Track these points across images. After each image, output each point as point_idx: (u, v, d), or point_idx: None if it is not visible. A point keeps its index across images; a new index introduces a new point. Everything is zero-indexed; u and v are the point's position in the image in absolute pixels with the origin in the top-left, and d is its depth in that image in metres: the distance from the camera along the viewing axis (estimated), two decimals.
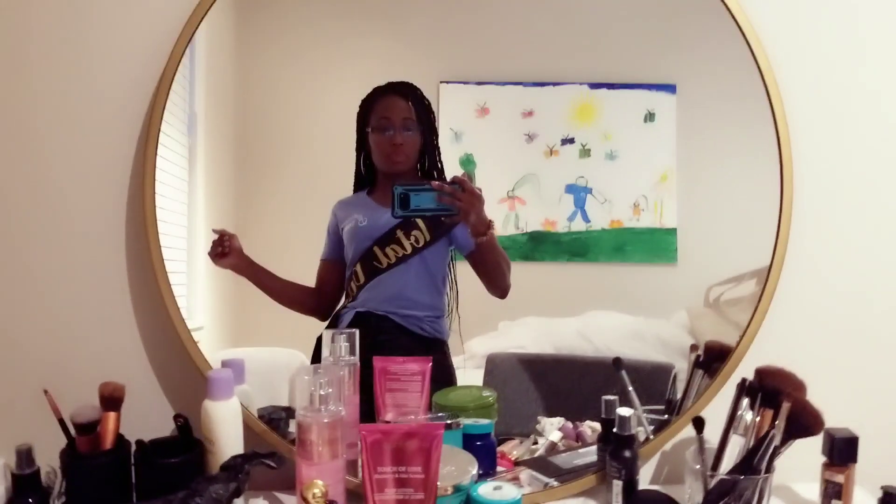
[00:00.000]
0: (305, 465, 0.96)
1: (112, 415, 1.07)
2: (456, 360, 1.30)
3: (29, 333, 1.25)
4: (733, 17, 1.22)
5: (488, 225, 1.24)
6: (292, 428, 1.23)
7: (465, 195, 1.22)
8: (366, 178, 1.29)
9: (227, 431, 1.07)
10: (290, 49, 1.27)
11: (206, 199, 1.28)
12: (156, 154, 1.19)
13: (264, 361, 1.28)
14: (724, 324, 1.30)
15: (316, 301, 1.29)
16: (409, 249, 1.27)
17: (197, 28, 1.20)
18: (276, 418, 1.23)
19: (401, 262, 1.27)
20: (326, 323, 1.28)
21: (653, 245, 1.31)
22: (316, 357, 1.24)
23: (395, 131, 1.27)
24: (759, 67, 1.23)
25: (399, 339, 1.27)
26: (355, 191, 1.29)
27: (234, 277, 1.26)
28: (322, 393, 0.98)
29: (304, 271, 1.28)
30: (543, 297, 1.34)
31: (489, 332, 1.33)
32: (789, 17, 1.27)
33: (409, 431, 0.96)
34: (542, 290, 1.34)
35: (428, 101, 1.28)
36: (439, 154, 1.29)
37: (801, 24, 1.27)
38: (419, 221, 1.27)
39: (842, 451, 1.12)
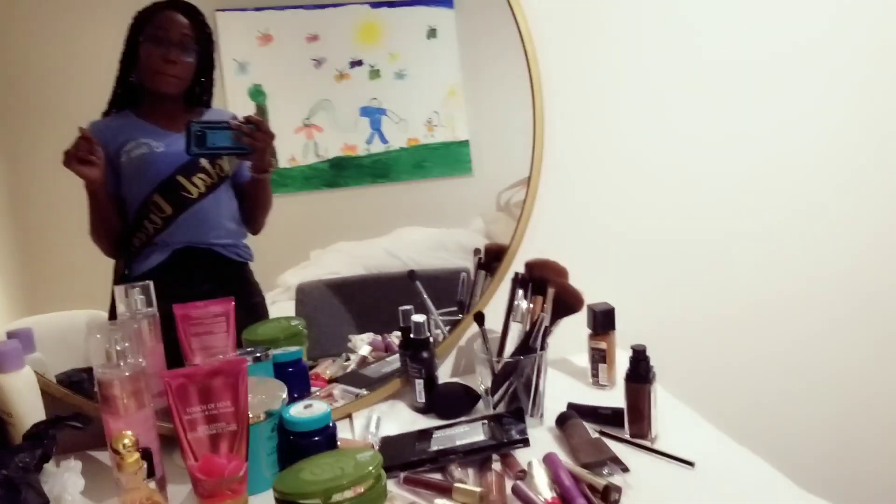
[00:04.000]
0: (112, 420, 0.97)
1: None
2: (269, 295, 1.32)
3: None
4: None
5: (271, 163, 1.26)
6: (96, 388, 1.22)
7: (260, 134, 1.22)
8: (130, 99, 1.20)
9: (23, 402, 1.04)
10: None
11: None
12: None
13: (63, 326, 1.22)
14: (514, 223, 1.39)
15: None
16: (216, 178, 1.25)
17: None
18: (77, 380, 1.20)
19: (210, 191, 1.24)
20: (113, 271, 1.22)
21: (449, 159, 1.37)
22: (113, 312, 1.20)
23: (172, 47, 1.20)
24: None
25: (219, 269, 1.27)
26: (111, 112, 1.20)
27: (10, 242, 1.18)
28: (118, 348, 0.98)
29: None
30: (351, 221, 1.37)
31: (301, 262, 1.34)
32: None
33: (212, 370, 0.99)
34: (349, 215, 1.36)
35: (208, 24, 1.22)
36: (212, 86, 1.25)
37: None
38: None
39: (602, 321, 1.31)
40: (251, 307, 1.28)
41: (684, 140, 1.51)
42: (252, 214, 1.29)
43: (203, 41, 1.23)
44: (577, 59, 1.42)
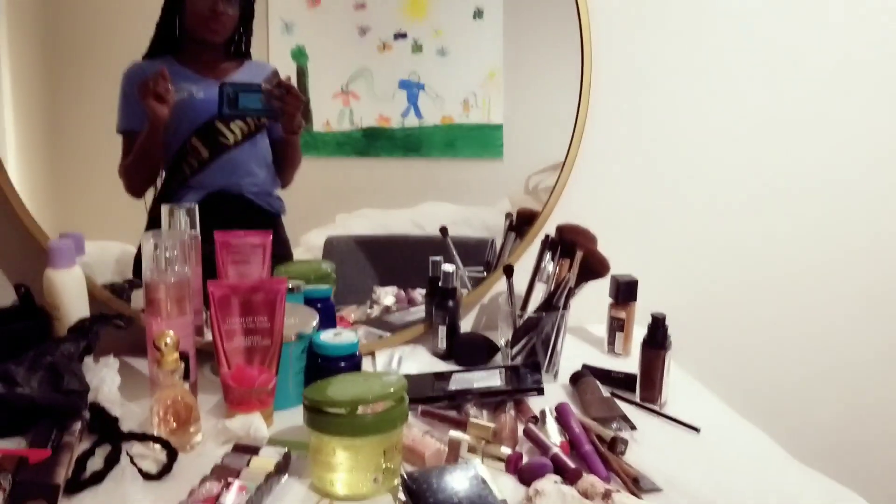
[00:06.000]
0: (155, 322, 1.02)
1: None
2: (293, 253, 1.35)
3: None
4: None
5: (301, 125, 1.28)
6: (134, 302, 1.26)
7: (290, 98, 1.25)
8: (171, 44, 1.22)
9: (71, 298, 1.10)
10: None
11: (14, 87, 1.20)
12: None
13: (95, 255, 1.25)
14: (540, 206, 1.42)
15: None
16: (253, 127, 1.27)
17: None
18: (119, 288, 1.26)
19: (246, 139, 1.27)
20: (149, 204, 1.26)
21: (481, 140, 1.38)
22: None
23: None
24: None
25: (251, 217, 1.30)
26: (152, 56, 1.21)
27: (48, 174, 1.22)
28: (167, 255, 1.03)
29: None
30: (378, 190, 1.38)
31: (327, 224, 1.37)
32: None
33: (254, 286, 1.05)
34: (377, 185, 1.38)
35: None
36: (250, 37, 1.26)
37: None
38: None
39: (624, 291, 1.34)
40: (279, 259, 1.31)
41: (720, 121, 1.53)
42: (282, 168, 1.32)
43: None
44: (629, 46, 1.45)
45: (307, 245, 1.36)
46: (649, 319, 1.16)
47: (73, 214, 1.26)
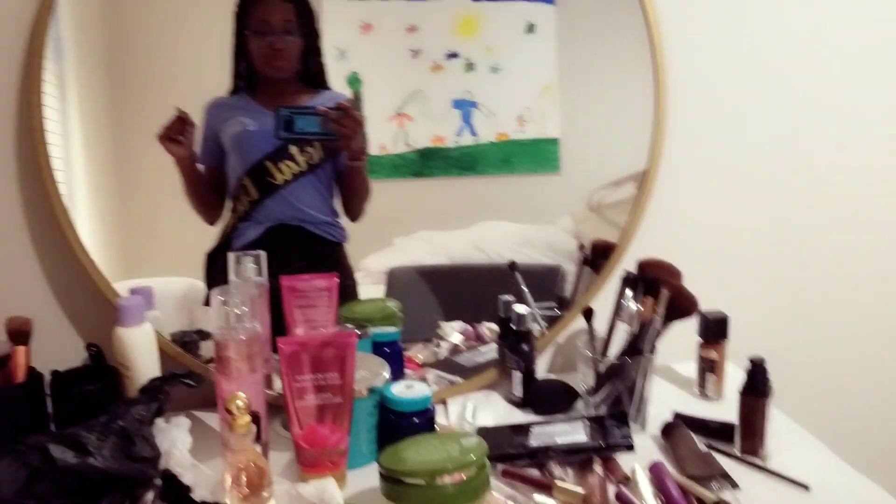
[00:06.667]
0: (225, 381, 0.99)
1: (21, 348, 1.06)
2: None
3: None
4: None
5: (364, 151, 1.26)
6: (203, 350, 1.26)
7: (348, 120, 1.22)
8: (246, 82, 1.24)
9: (141, 356, 1.08)
10: None
11: (81, 124, 1.21)
12: (41, 77, 1.13)
13: (160, 291, 1.26)
14: (606, 225, 1.38)
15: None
16: (305, 166, 1.26)
17: None
18: (189, 341, 1.24)
19: (296, 178, 1.26)
20: (215, 243, 1.26)
21: (537, 155, 1.35)
22: (208, 276, 1.25)
23: (276, 35, 1.22)
24: None
25: (312, 247, 1.28)
26: (234, 92, 1.24)
27: (116, 207, 1.23)
28: (237, 312, 1.00)
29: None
30: (435, 211, 1.37)
31: (384, 248, 1.35)
32: None
33: (324, 341, 1.01)
34: (433, 205, 1.37)
35: (311, 7, 1.23)
36: (322, 57, 1.26)
37: None
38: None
39: (714, 330, 1.26)
40: (343, 289, 1.27)
41: (812, 143, 1.44)
42: (349, 201, 1.30)
43: (307, 21, 1.24)
44: (702, 58, 1.38)
45: (367, 270, 1.35)
46: (745, 362, 1.08)
47: (142, 253, 1.27)
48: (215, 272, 1.22)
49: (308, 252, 1.28)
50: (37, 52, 1.13)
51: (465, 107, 1.32)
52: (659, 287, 1.16)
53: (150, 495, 0.92)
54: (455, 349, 1.38)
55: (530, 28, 1.32)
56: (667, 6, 1.33)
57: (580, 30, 1.34)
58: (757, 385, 1.04)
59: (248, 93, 1.24)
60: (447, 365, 1.35)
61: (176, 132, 1.20)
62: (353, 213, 1.30)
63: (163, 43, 1.22)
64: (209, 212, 1.26)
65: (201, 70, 1.25)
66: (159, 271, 1.27)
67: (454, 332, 1.39)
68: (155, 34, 1.22)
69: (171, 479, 0.95)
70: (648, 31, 1.31)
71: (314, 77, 1.26)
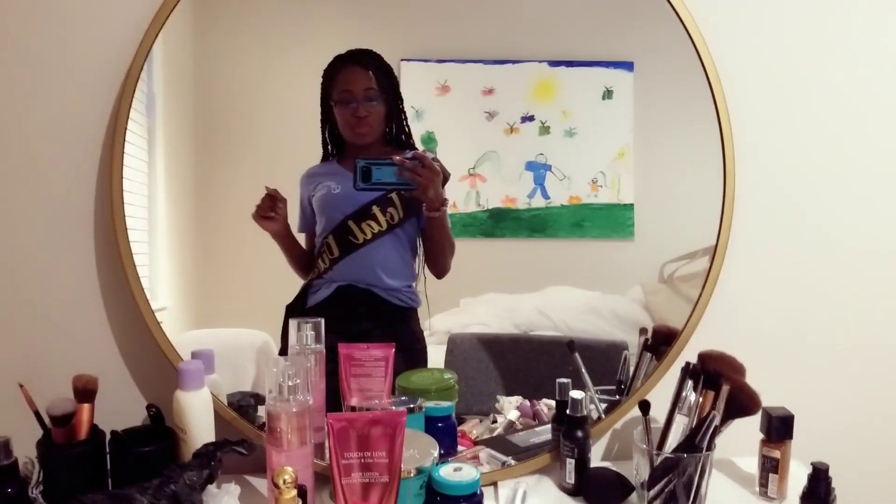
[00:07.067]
0: (275, 452, 1.00)
1: (86, 406, 1.10)
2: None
3: (1, 329, 1.27)
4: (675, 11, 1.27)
5: (443, 201, 1.28)
6: (260, 412, 1.28)
7: (424, 170, 1.25)
8: (334, 149, 1.29)
9: (198, 420, 1.11)
10: (249, 27, 1.27)
11: (167, 180, 1.28)
12: (124, 141, 1.20)
13: (228, 342, 1.30)
14: (677, 299, 1.34)
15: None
16: (385, 226, 1.29)
17: (166, 19, 1.21)
18: (245, 405, 1.27)
19: (376, 237, 1.29)
20: (293, 298, 1.30)
21: (610, 221, 1.34)
22: (284, 335, 1.26)
23: (359, 104, 1.27)
24: (699, 56, 1.27)
25: (379, 310, 1.30)
26: (324, 159, 1.30)
27: (194, 258, 1.28)
28: (290, 384, 1.02)
29: (268, 248, 1.29)
30: (504, 273, 1.36)
31: (451, 308, 1.35)
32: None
33: (373, 418, 1.01)
34: (502, 267, 1.36)
35: (389, 66, 1.27)
36: (406, 120, 1.30)
37: (741, 17, 1.32)
38: (394, 198, 1.28)
39: (778, 428, 1.20)
40: (410, 352, 1.30)
41: (890, 226, 1.38)
42: (431, 256, 1.32)
43: (386, 85, 1.28)
44: (771, 131, 1.35)
45: (431, 329, 1.35)
46: (809, 463, 1.02)
47: (220, 305, 1.32)
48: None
49: (376, 315, 1.31)
50: (126, 102, 1.21)
51: (538, 169, 1.33)
52: (720, 382, 1.12)
53: None
54: (510, 426, 1.36)
55: (608, 93, 1.32)
56: (738, 82, 1.32)
57: (659, 95, 1.34)
58: (819, 493, 0.99)
59: (336, 159, 1.30)
60: (501, 444, 1.33)
61: (267, 210, 1.27)
62: (437, 269, 1.32)
63: (249, 106, 1.29)
64: (305, 273, 1.32)
65: (280, 140, 1.30)
66: (238, 323, 1.32)
67: (512, 407, 1.37)
68: (242, 95, 1.28)
69: None
70: (716, 106, 1.29)
71: (398, 140, 1.30)
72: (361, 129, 1.28)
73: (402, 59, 1.29)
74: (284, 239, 1.29)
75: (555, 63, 1.32)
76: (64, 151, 1.25)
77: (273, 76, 1.28)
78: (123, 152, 1.21)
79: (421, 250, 1.32)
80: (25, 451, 1.08)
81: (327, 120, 1.29)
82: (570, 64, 1.32)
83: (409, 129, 1.30)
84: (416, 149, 1.30)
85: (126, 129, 1.21)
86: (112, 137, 1.21)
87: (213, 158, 1.29)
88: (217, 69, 1.28)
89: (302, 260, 1.31)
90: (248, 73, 1.28)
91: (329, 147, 1.29)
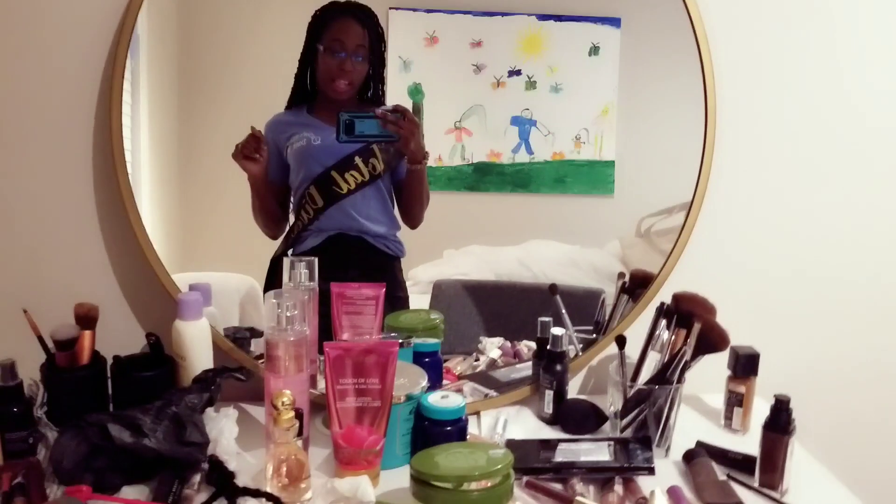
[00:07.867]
0: (273, 378, 1.05)
1: (88, 333, 1.13)
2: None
3: (5, 257, 1.30)
4: None
5: (425, 154, 1.30)
6: (254, 347, 1.33)
7: (406, 123, 1.26)
8: (306, 96, 1.28)
9: (197, 349, 1.15)
10: None
11: (150, 120, 1.27)
12: (122, 81, 1.21)
13: (214, 286, 1.32)
14: (652, 253, 1.38)
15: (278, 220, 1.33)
16: (367, 176, 1.30)
17: None
18: (241, 337, 1.31)
19: (360, 188, 1.30)
20: (278, 243, 1.32)
21: (592, 177, 1.36)
22: (269, 279, 1.30)
23: (347, 56, 1.27)
24: (687, 12, 1.29)
25: (368, 257, 1.33)
26: (290, 107, 1.29)
27: (176, 201, 1.30)
28: (288, 314, 1.06)
29: (246, 190, 1.30)
30: (487, 226, 1.39)
31: (434, 259, 1.38)
32: None
33: (367, 348, 1.07)
34: (485, 220, 1.39)
35: (382, 29, 1.27)
36: (384, 85, 1.30)
37: None
38: (375, 148, 1.29)
39: (744, 365, 1.28)
40: (394, 300, 1.33)
41: (858, 187, 1.44)
42: (408, 208, 1.34)
43: (376, 45, 1.28)
44: (755, 91, 1.39)
45: (415, 279, 1.38)
46: (771, 399, 1.10)
47: (206, 249, 1.34)
48: (275, 277, 1.28)
49: (364, 262, 1.33)
50: (122, 48, 1.21)
51: (523, 124, 1.34)
52: (692, 320, 1.18)
53: (196, 478, 0.99)
54: (493, 364, 1.42)
55: (594, 49, 1.33)
56: (723, 39, 1.34)
57: (644, 53, 1.35)
58: (780, 422, 1.07)
59: (306, 106, 1.29)
60: (484, 378, 1.39)
61: (251, 150, 1.27)
62: (413, 220, 1.34)
63: (233, 49, 1.28)
64: (274, 226, 1.33)
65: (265, 82, 1.30)
66: (223, 267, 1.34)
67: (494, 347, 1.43)
68: (227, 38, 1.28)
69: (217, 464, 1.02)
70: (701, 63, 1.31)
71: (371, 101, 1.30)
72: (342, 82, 1.28)
73: (390, 8, 1.28)
74: (261, 183, 1.28)
75: (543, 17, 1.32)
76: (63, 84, 1.25)
77: (259, 18, 1.27)
78: (122, 84, 1.21)
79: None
80: (29, 373, 1.11)
81: (308, 64, 1.27)
82: (558, 18, 1.32)
83: (385, 95, 1.30)
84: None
85: (124, 68, 1.21)
86: (112, 69, 1.21)
87: (196, 101, 1.28)
88: (202, 9, 1.27)
89: (272, 208, 1.31)
90: (232, 13, 1.27)
91: (300, 95, 1.28)
